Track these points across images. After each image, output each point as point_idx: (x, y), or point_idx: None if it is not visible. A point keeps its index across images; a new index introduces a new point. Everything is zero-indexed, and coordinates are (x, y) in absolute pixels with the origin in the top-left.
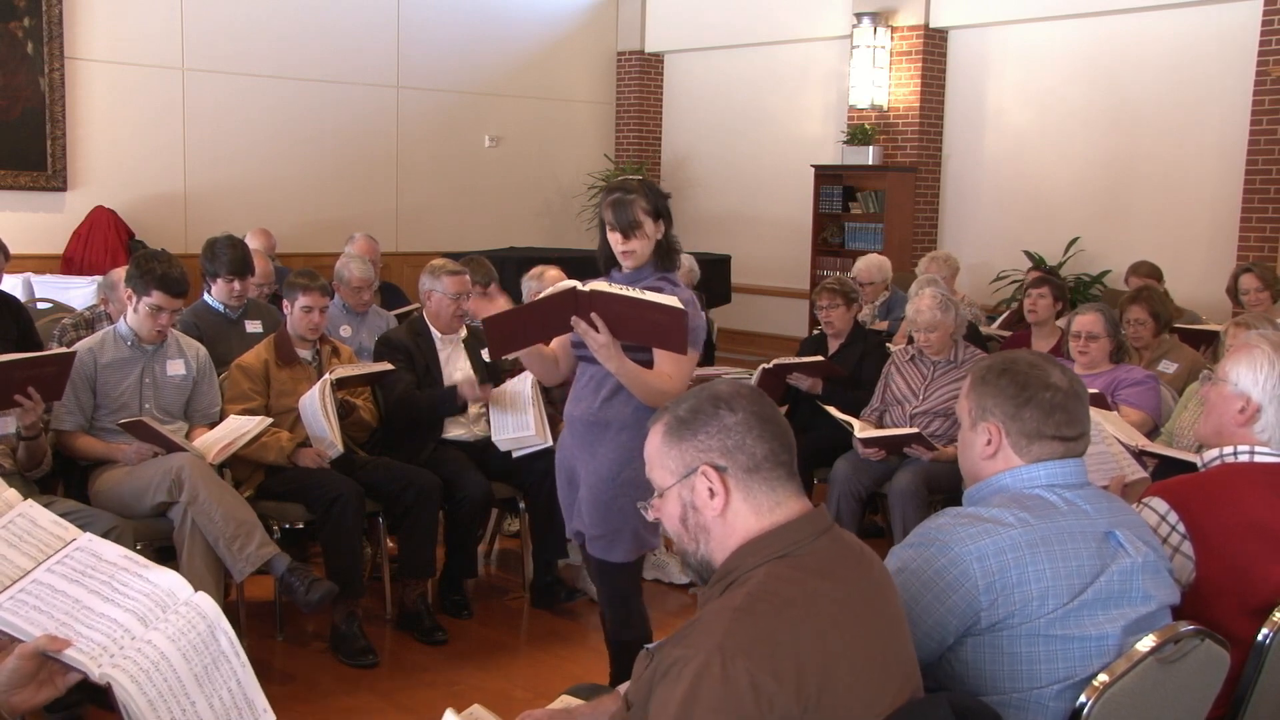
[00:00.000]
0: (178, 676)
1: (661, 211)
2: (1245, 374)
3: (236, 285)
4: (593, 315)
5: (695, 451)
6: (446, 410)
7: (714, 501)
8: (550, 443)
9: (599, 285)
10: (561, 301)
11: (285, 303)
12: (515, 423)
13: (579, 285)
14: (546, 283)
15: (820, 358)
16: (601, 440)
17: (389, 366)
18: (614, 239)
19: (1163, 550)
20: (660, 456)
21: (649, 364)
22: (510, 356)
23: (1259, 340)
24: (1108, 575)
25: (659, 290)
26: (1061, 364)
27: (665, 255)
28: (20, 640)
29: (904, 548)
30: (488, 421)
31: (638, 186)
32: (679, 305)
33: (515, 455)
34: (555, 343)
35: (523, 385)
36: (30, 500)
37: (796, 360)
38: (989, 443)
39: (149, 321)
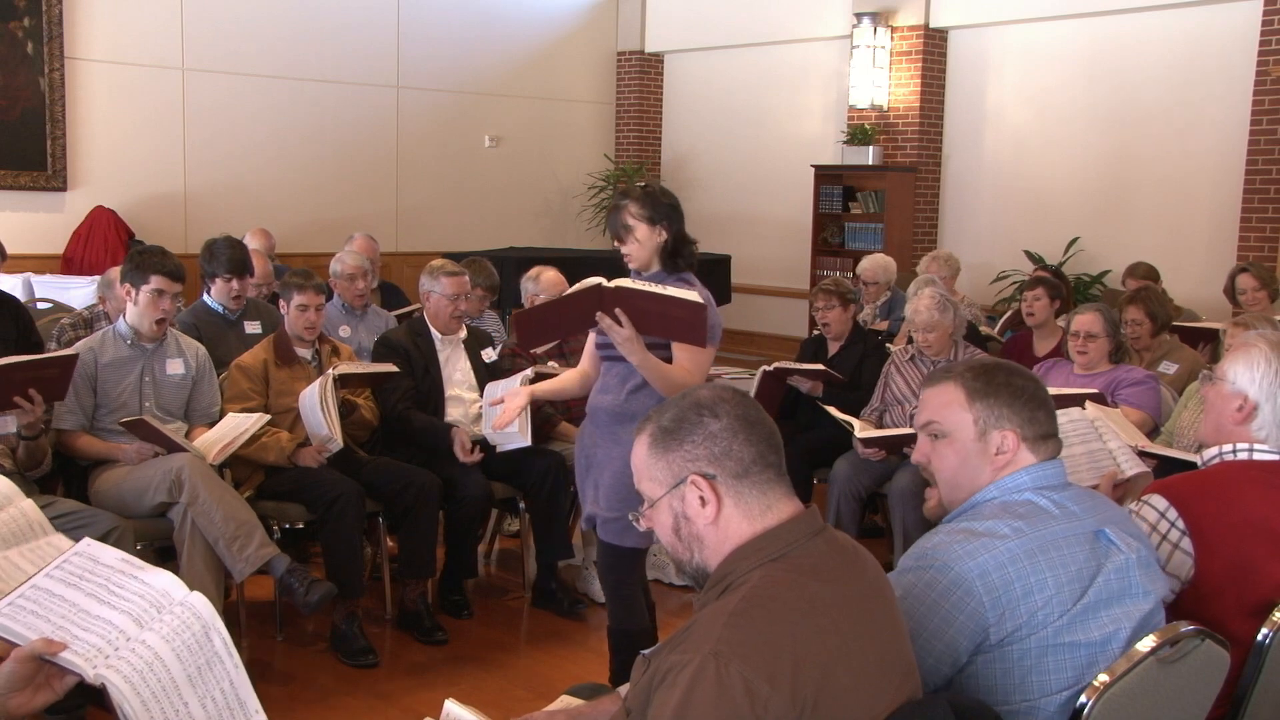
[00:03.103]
0: (171, 677)
1: (659, 216)
2: (1242, 373)
3: (235, 285)
4: (616, 310)
5: (683, 461)
6: (436, 444)
7: (706, 510)
8: (529, 443)
9: (623, 282)
10: (587, 297)
11: (281, 302)
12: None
13: (604, 282)
14: (543, 284)
15: (819, 366)
16: (627, 429)
17: (393, 368)
18: (617, 243)
19: (1149, 540)
20: (648, 468)
21: (669, 359)
22: (540, 351)
23: (1256, 339)
24: (1105, 575)
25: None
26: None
27: (669, 257)
28: (17, 645)
29: (902, 573)
30: None
31: (632, 192)
32: (699, 300)
33: (499, 450)
34: (585, 357)
35: (511, 388)
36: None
37: (797, 365)
38: (999, 452)
39: (151, 309)
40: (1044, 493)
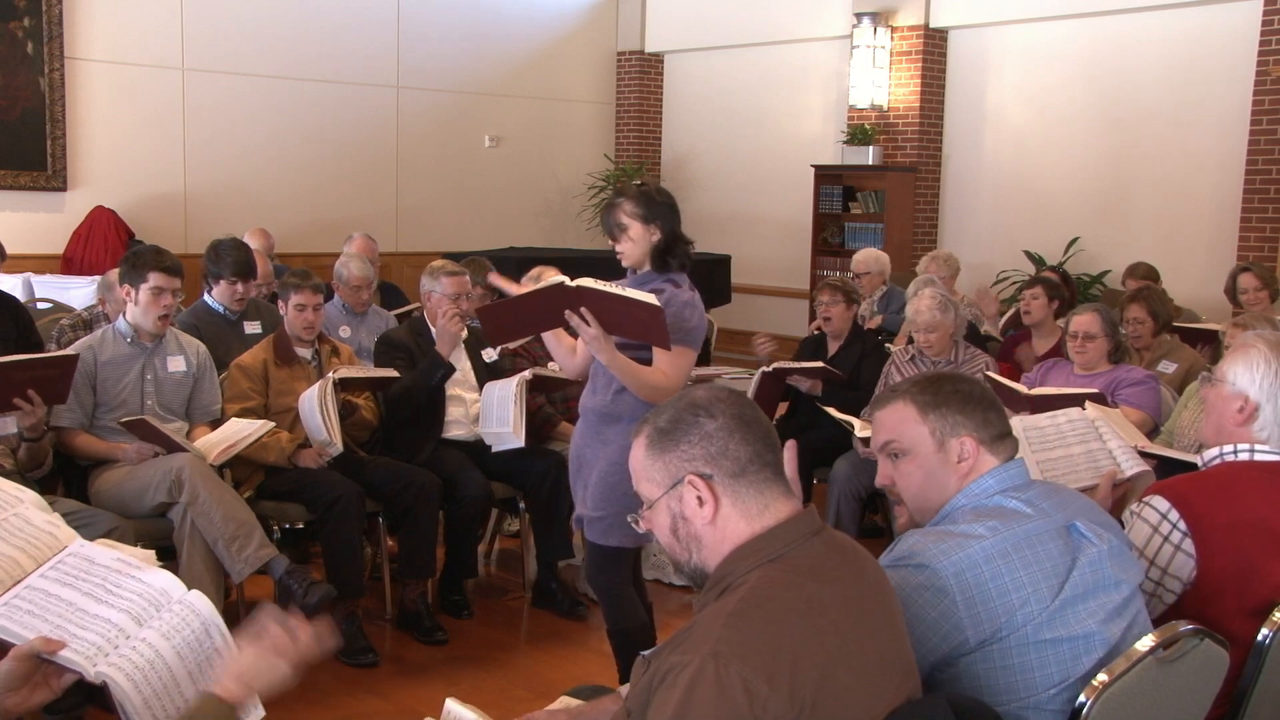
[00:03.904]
0: (172, 674)
1: (653, 215)
2: (1242, 373)
3: (240, 287)
4: (583, 310)
5: (679, 461)
6: (436, 375)
7: (703, 510)
8: (523, 443)
9: (586, 282)
10: (552, 295)
11: (280, 302)
12: (498, 417)
13: (566, 280)
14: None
15: (819, 363)
16: (613, 428)
17: (394, 374)
18: (611, 242)
19: (1120, 529)
20: (645, 469)
21: (649, 361)
22: (513, 345)
23: (1256, 340)
24: (1079, 569)
25: (661, 292)
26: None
27: (658, 257)
28: (15, 644)
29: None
30: None
31: (627, 190)
32: (655, 302)
33: (494, 450)
34: (579, 344)
35: (508, 387)
36: (28, 499)
37: (796, 365)
38: (961, 459)
39: (153, 307)
40: (1011, 494)
